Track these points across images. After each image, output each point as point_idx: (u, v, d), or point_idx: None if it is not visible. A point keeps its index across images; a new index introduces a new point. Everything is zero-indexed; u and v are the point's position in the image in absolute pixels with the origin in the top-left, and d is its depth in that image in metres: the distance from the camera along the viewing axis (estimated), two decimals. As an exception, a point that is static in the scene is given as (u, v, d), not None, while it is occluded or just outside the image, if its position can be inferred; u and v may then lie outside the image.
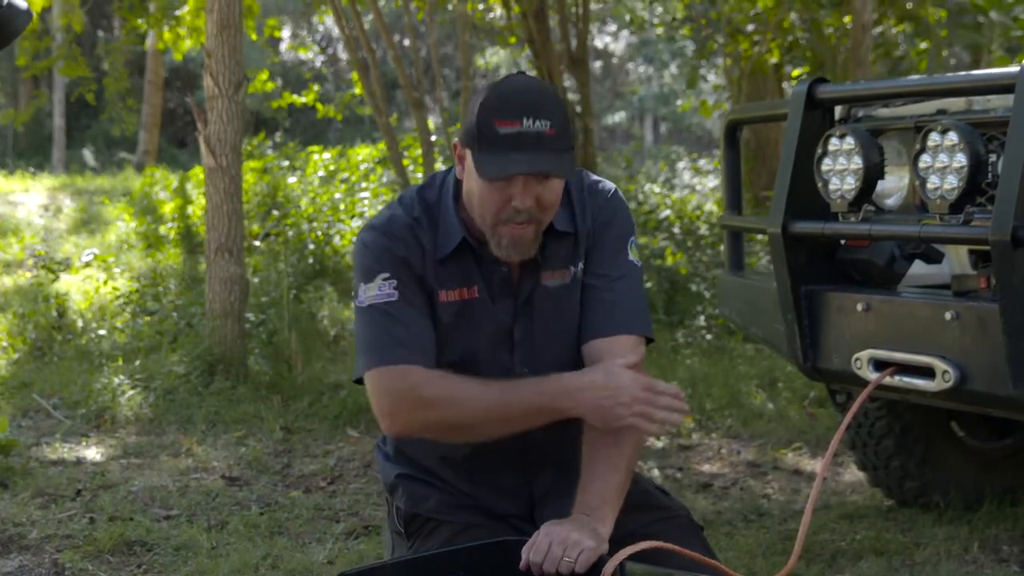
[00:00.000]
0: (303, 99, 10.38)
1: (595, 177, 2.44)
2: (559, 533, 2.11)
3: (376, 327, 2.27)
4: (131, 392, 5.57)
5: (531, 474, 2.40)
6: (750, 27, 10.44)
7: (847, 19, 9.57)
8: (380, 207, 9.43)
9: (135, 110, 11.16)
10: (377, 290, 2.28)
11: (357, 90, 10.07)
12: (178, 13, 9.51)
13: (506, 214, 2.22)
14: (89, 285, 8.17)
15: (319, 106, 10.38)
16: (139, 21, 10.02)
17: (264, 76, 9.99)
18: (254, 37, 9.86)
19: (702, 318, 7.44)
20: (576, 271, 2.37)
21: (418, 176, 9.26)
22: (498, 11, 10.85)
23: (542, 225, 2.27)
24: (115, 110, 10.61)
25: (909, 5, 10.25)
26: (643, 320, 2.38)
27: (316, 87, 10.56)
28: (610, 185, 2.44)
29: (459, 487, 2.41)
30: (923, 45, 10.76)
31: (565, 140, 2.21)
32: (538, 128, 2.17)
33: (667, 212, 10.18)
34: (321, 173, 11.16)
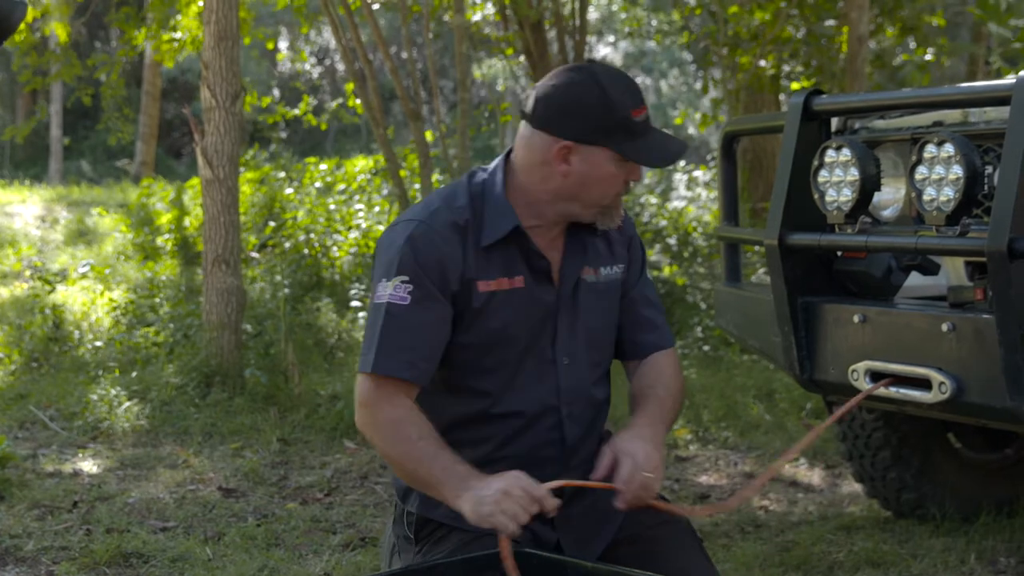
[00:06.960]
0: (296, 111, 10.37)
1: None
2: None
3: (381, 329, 2.27)
4: (128, 404, 5.57)
5: (562, 476, 2.39)
6: (749, 39, 10.45)
7: (844, 31, 9.59)
8: (377, 217, 9.45)
9: (132, 120, 11.13)
10: (393, 290, 2.27)
11: (349, 102, 10.07)
12: (177, 18, 9.52)
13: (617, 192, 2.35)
14: (85, 296, 8.16)
15: (310, 117, 10.39)
16: (136, 33, 10.03)
17: (266, 101, 10.00)
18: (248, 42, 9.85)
19: (699, 330, 7.44)
20: (607, 273, 2.43)
21: (416, 188, 9.24)
22: (493, 17, 10.85)
23: None
24: (111, 119, 10.59)
25: (904, 13, 10.26)
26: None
27: (311, 99, 10.55)
28: None
29: None
30: (925, 56, 10.77)
31: None
32: (648, 111, 2.32)
33: (663, 223, 10.18)
34: (318, 184, 11.15)
